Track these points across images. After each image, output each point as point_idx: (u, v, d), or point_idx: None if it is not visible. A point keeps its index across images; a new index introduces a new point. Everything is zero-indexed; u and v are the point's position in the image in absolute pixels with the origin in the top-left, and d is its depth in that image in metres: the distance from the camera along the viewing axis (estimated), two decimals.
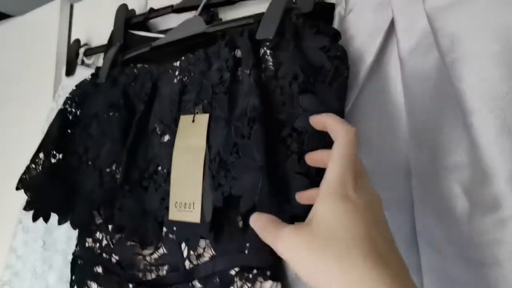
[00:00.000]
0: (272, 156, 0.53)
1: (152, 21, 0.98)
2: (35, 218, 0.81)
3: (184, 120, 0.68)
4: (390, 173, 0.58)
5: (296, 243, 0.37)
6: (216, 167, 0.58)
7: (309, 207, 0.41)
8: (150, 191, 0.72)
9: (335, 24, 0.66)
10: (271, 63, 0.60)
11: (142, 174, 0.74)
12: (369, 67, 0.61)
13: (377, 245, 0.35)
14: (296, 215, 0.51)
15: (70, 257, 0.89)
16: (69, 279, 0.86)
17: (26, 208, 0.81)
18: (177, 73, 0.75)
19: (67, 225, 0.83)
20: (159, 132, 0.74)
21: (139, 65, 0.84)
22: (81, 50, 1.05)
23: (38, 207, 0.82)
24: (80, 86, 0.90)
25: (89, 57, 1.07)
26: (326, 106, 0.53)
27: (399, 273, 0.34)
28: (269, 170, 0.52)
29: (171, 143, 0.70)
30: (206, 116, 0.65)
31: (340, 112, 0.54)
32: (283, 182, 0.53)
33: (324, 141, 0.50)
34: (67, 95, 0.89)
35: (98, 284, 0.75)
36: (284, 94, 0.56)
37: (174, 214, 0.65)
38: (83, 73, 1.02)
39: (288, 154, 0.54)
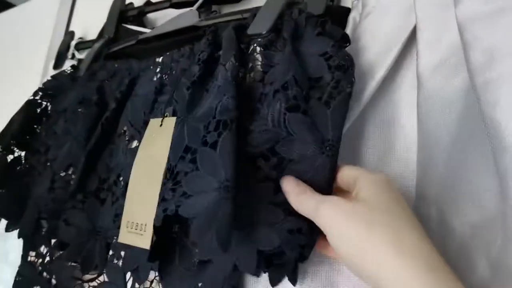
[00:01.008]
0: (237, 177, 0.41)
1: (150, 18, 0.88)
2: None
3: (153, 124, 0.56)
4: None
5: (344, 215, 0.35)
6: (164, 176, 0.47)
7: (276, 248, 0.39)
8: (107, 205, 0.60)
9: (348, 31, 0.54)
10: (259, 63, 0.49)
11: (102, 184, 0.62)
12: (378, 83, 0.49)
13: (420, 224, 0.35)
14: (262, 252, 0.41)
15: None
16: None
17: None
18: (158, 70, 0.64)
19: None
20: (127, 137, 0.62)
21: (121, 60, 0.73)
22: (72, 43, 0.95)
23: None
24: (56, 77, 0.80)
25: (82, 51, 0.96)
26: (318, 135, 0.41)
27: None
28: (235, 194, 0.40)
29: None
30: (172, 121, 0.53)
31: (335, 144, 0.41)
32: (249, 212, 0.41)
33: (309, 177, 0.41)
34: (40, 85, 0.78)
35: None
36: (268, 104, 0.45)
37: (124, 236, 0.53)
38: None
39: (259, 179, 0.42)
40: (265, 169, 0.42)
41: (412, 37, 0.50)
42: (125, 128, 0.63)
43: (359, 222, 0.34)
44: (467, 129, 0.43)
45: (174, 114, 0.54)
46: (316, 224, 0.37)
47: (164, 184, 0.46)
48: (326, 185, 0.40)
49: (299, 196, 0.39)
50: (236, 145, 0.41)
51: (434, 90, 0.46)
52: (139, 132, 0.61)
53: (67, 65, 0.89)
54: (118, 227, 0.54)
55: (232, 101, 0.43)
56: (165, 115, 0.55)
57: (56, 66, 0.93)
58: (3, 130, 0.74)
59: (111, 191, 0.60)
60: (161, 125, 0.54)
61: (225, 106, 0.43)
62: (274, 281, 0.43)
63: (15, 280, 0.68)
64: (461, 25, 0.43)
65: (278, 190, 0.41)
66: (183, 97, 0.51)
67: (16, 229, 0.72)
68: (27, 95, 0.88)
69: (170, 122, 0.53)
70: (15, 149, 0.74)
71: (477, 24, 0.42)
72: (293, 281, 0.42)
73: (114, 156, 0.62)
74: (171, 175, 0.45)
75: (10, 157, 0.74)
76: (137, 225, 0.51)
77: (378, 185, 0.37)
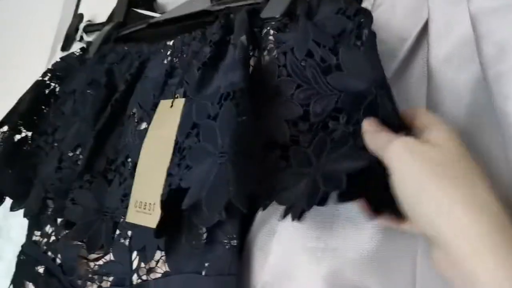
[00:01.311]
0: (248, 147, 0.40)
1: (161, 2, 0.88)
2: None
3: (163, 105, 0.56)
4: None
5: (411, 152, 0.34)
6: (171, 154, 0.47)
7: None
8: (114, 185, 0.60)
9: None
10: (272, 44, 0.49)
11: (109, 165, 0.62)
12: (390, 75, 0.49)
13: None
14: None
15: None
16: None
17: None
18: (168, 53, 0.64)
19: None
20: (136, 119, 0.62)
21: (131, 44, 0.73)
22: (81, 26, 0.95)
23: None
24: (65, 59, 0.80)
25: (90, 34, 0.96)
26: (361, 78, 0.40)
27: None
28: (236, 161, 0.39)
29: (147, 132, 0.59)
30: (183, 101, 0.53)
31: (380, 81, 0.40)
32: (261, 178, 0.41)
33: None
34: (49, 67, 0.78)
35: (36, 287, 0.63)
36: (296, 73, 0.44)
37: (132, 215, 0.53)
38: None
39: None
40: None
41: (423, 30, 0.50)
42: (134, 110, 0.63)
43: (426, 162, 0.33)
44: (477, 122, 0.43)
45: (184, 95, 0.54)
46: (384, 160, 0.35)
47: (172, 161, 0.46)
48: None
49: (374, 134, 0.37)
50: (238, 116, 0.41)
51: (444, 82, 0.46)
52: (148, 114, 0.61)
53: (75, 48, 0.89)
54: (126, 207, 0.54)
55: (238, 76, 0.43)
56: (176, 96, 0.55)
57: (64, 48, 0.93)
58: (11, 110, 0.74)
59: (118, 172, 0.60)
60: (171, 106, 0.54)
61: (231, 80, 0.43)
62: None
63: (18, 259, 0.68)
64: (474, 18, 0.43)
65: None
66: (193, 78, 0.51)
67: (21, 208, 0.72)
68: (35, 76, 0.88)
69: (180, 103, 0.53)
70: (22, 129, 0.74)
71: (490, 18, 0.42)
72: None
73: (122, 137, 0.62)
74: (178, 152, 0.45)
75: (17, 137, 0.74)
76: (146, 204, 0.51)
77: (453, 134, 0.35)
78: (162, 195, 0.44)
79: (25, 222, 0.82)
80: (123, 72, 0.69)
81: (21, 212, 0.73)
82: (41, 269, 0.64)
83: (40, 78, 0.77)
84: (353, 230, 0.44)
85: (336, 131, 0.40)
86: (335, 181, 0.36)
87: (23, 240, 0.81)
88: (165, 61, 0.63)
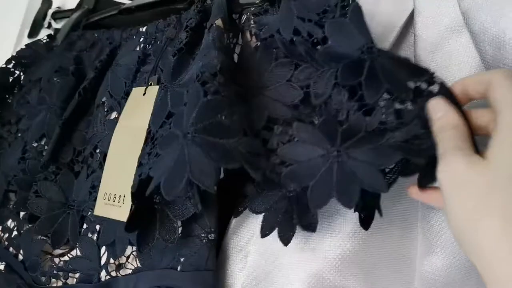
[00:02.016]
0: (215, 127, 0.37)
1: None
2: None
3: (136, 93, 0.53)
4: None
5: (471, 177, 0.30)
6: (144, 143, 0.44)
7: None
8: (81, 177, 0.57)
9: None
10: (256, 29, 0.46)
11: (76, 156, 0.59)
12: None
13: None
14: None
15: None
16: None
17: None
18: (141, 39, 0.61)
19: None
20: (106, 108, 0.59)
21: (102, 31, 0.69)
22: (50, 12, 0.91)
23: None
24: (31, 46, 0.76)
25: (58, 21, 0.92)
26: (350, 46, 0.37)
27: None
28: (199, 139, 0.36)
29: (117, 122, 0.56)
30: (155, 89, 0.50)
31: (369, 44, 0.37)
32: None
33: None
34: (14, 54, 0.74)
35: None
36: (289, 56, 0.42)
37: (101, 208, 0.50)
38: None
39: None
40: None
41: (409, 20, 0.48)
42: (104, 99, 0.60)
43: (475, 195, 0.29)
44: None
45: (158, 82, 0.51)
46: None
47: (143, 150, 0.43)
48: None
49: (438, 133, 0.33)
50: (206, 94, 0.38)
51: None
52: (119, 103, 0.58)
53: (42, 35, 0.85)
54: (94, 200, 0.51)
55: (210, 57, 0.40)
56: (149, 84, 0.52)
57: (31, 35, 0.89)
58: None
59: (86, 163, 0.57)
60: (144, 93, 0.51)
61: (203, 63, 0.41)
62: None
63: None
64: (465, 15, 0.42)
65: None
66: (168, 65, 0.48)
67: None
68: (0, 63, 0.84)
69: (154, 90, 0.50)
70: None
71: (482, 13, 0.41)
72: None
73: (91, 127, 0.59)
74: (151, 141, 0.42)
75: None
76: (115, 196, 0.48)
77: None
78: (132, 186, 0.41)
79: None
80: (93, 60, 0.66)
81: None
82: (1, 266, 0.60)
83: (4, 65, 0.73)
84: (332, 229, 0.43)
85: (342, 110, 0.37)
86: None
87: None
88: (138, 48, 0.61)
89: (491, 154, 0.30)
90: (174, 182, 0.35)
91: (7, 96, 0.73)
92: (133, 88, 0.54)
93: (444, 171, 0.31)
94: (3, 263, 0.60)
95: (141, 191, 0.40)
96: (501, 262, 0.27)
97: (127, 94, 0.57)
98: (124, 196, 0.47)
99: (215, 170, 0.35)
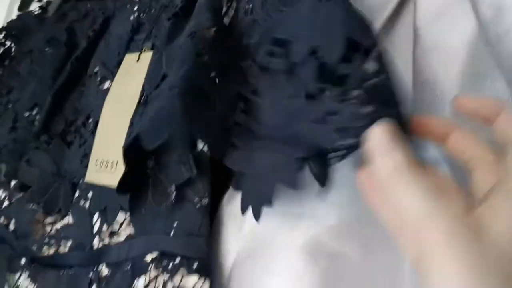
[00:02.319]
0: (203, 88, 0.37)
1: None
2: None
3: (128, 59, 0.53)
4: None
5: (455, 255, 0.22)
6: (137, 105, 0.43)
7: None
8: (74, 147, 0.56)
9: None
10: None
11: (68, 126, 0.58)
12: None
13: None
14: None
15: None
16: None
17: None
18: (135, 8, 0.60)
19: None
20: (98, 77, 0.58)
21: (94, 1, 0.68)
22: None
23: None
24: (21, 17, 0.75)
25: None
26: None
27: None
28: (184, 96, 0.35)
29: None
30: (149, 55, 0.49)
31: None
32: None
33: None
34: (4, 25, 0.73)
35: None
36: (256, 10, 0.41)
37: (92, 174, 0.49)
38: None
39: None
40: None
41: None
42: (96, 69, 0.59)
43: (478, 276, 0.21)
44: (472, 81, 0.42)
45: (152, 48, 0.51)
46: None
47: (136, 112, 0.43)
48: None
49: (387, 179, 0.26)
50: (198, 54, 0.37)
51: (433, 44, 0.44)
52: (111, 73, 0.57)
53: (34, 7, 0.84)
54: (86, 167, 0.50)
55: (203, 18, 0.40)
56: (143, 50, 0.51)
57: (21, 8, 0.87)
58: None
59: (79, 133, 0.56)
60: (138, 60, 0.51)
61: (195, 21, 0.40)
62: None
63: None
64: None
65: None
66: (163, 29, 0.48)
67: None
68: None
69: (148, 56, 0.49)
70: None
71: None
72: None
73: (83, 97, 0.59)
74: (144, 103, 0.42)
75: None
76: (107, 163, 0.48)
77: None
78: (123, 146, 0.40)
79: None
80: (86, 30, 0.65)
81: None
82: None
83: None
84: (329, 197, 0.42)
85: None
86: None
87: None
88: (131, 17, 0.60)
89: (487, 213, 0.23)
90: (153, 132, 0.34)
91: None
92: (126, 55, 0.53)
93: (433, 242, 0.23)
94: None
95: (132, 151, 0.39)
96: None
97: (119, 63, 0.56)
98: (117, 162, 0.47)
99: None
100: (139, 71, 0.49)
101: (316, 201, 0.42)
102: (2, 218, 0.59)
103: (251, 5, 0.44)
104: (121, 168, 0.46)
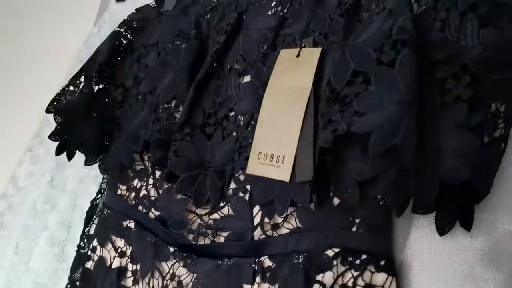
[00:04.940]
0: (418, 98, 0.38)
1: None
2: (59, 151, 0.66)
3: (286, 54, 0.53)
4: None
5: None
6: (325, 101, 0.44)
7: None
8: (215, 139, 0.57)
9: None
10: None
11: (207, 119, 0.59)
12: None
13: None
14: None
15: (79, 200, 0.79)
16: (70, 225, 0.76)
17: (52, 136, 0.66)
18: (273, 4, 0.61)
19: (81, 164, 0.70)
20: (238, 71, 0.59)
21: None
22: None
23: (67, 139, 0.67)
24: (141, 9, 0.76)
25: None
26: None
27: None
28: (416, 111, 0.37)
29: (253, 85, 0.56)
30: (317, 51, 0.50)
31: None
32: (433, 138, 0.39)
33: None
34: (126, 17, 0.74)
35: (127, 241, 0.60)
36: (449, 27, 0.42)
37: (255, 167, 0.50)
38: (137, 2, 0.86)
39: (445, 101, 0.40)
40: (453, 90, 0.39)
41: None
42: (236, 63, 0.60)
43: None
44: None
45: (314, 44, 0.51)
46: None
47: (328, 107, 0.43)
48: None
49: None
50: (416, 65, 0.38)
51: None
52: (252, 67, 0.58)
53: None
54: (246, 159, 0.51)
55: (410, 22, 0.40)
56: (303, 45, 0.51)
57: None
58: (89, 60, 0.70)
59: (221, 126, 0.57)
60: (298, 55, 0.51)
61: (402, 26, 0.40)
62: (445, 227, 0.40)
63: (102, 214, 0.65)
64: None
65: (473, 110, 0.38)
66: (336, 24, 0.48)
67: (96, 162, 0.69)
68: (85, 25, 0.85)
69: (312, 52, 0.50)
70: (98, 80, 0.70)
71: None
72: (468, 226, 0.40)
73: (223, 91, 0.59)
74: (337, 99, 0.42)
75: (95, 88, 0.70)
76: (272, 156, 0.48)
77: None
78: (327, 141, 0.41)
79: (81, 173, 0.80)
80: (214, 25, 0.66)
81: (76, 163, 0.72)
82: (130, 224, 0.61)
83: (117, 29, 0.73)
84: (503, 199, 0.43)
85: None
86: None
87: (78, 191, 0.79)
88: (270, 12, 0.60)
89: None
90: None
91: (119, 58, 0.73)
92: (281, 50, 0.53)
93: None
94: (132, 221, 0.61)
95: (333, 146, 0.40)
96: None
97: (264, 57, 0.57)
98: (283, 156, 0.47)
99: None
100: (302, 66, 0.50)
101: (491, 207, 0.42)
102: (141, 207, 0.61)
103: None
104: (289, 162, 0.47)
